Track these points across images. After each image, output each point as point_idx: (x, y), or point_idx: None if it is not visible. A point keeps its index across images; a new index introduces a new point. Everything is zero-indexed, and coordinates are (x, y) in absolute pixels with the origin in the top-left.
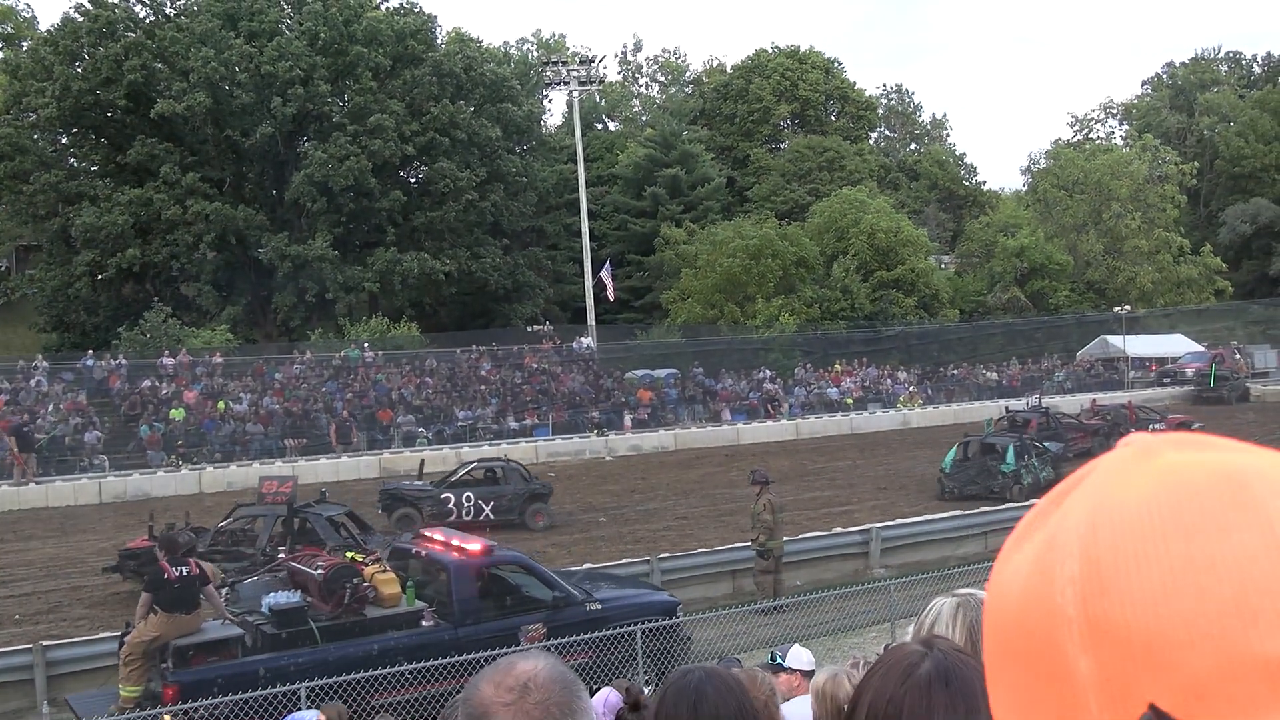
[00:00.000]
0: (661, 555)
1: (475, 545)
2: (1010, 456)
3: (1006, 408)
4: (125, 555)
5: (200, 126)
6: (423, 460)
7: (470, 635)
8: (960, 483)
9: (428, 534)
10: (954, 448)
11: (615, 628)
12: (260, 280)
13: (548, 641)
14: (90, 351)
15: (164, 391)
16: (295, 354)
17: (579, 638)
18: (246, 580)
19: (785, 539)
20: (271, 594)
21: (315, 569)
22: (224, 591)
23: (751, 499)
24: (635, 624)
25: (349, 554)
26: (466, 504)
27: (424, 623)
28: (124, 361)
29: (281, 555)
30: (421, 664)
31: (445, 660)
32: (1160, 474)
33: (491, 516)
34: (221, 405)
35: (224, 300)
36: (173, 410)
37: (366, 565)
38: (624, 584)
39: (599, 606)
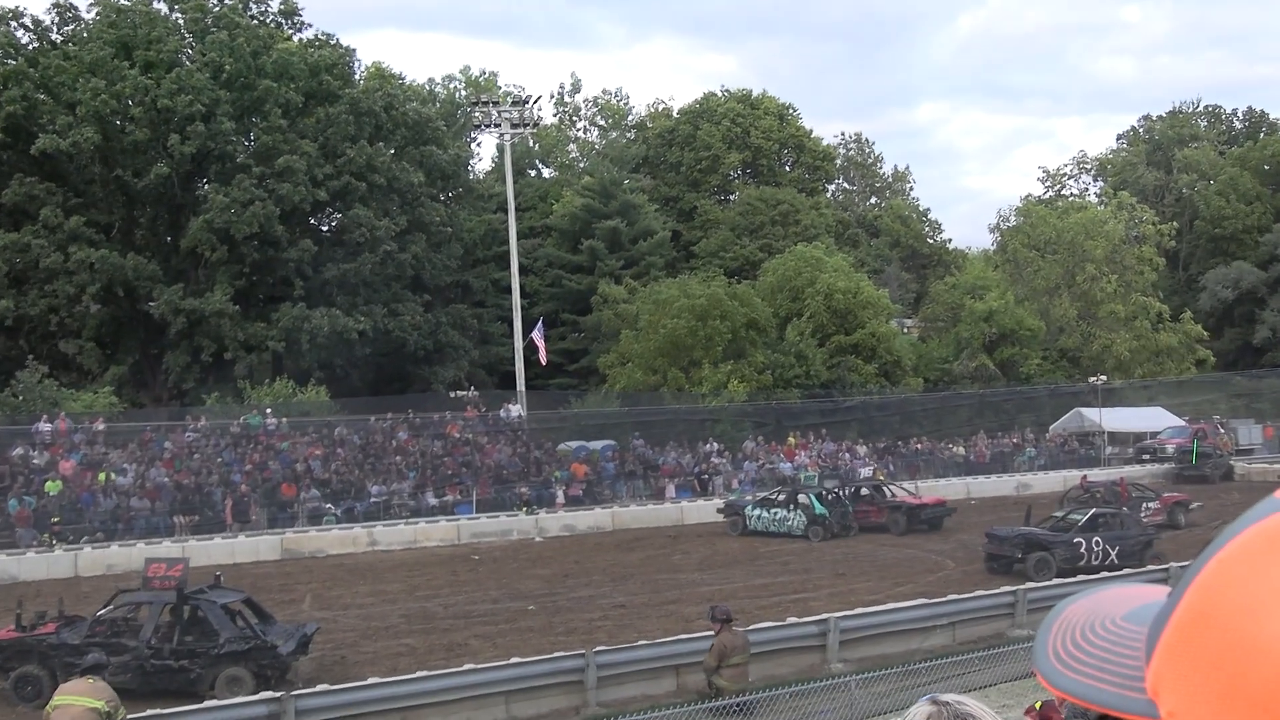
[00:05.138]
0: (598, 648)
1: None
2: None
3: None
4: None
5: (87, 165)
6: (1030, 506)
7: None
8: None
9: None
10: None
11: None
12: (150, 337)
13: None
14: None
15: (37, 461)
16: (188, 420)
17: None
18: None
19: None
20: None
21: None
22: None
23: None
24: None
25: None
26: (1096, 548)
27: None
28: None
29: None
30: None
31: None
32: None
33: (1116, 560)
34: (103, 477)
35: (108, 359)
36: (47, 483)
37: None
38: None
39: None
